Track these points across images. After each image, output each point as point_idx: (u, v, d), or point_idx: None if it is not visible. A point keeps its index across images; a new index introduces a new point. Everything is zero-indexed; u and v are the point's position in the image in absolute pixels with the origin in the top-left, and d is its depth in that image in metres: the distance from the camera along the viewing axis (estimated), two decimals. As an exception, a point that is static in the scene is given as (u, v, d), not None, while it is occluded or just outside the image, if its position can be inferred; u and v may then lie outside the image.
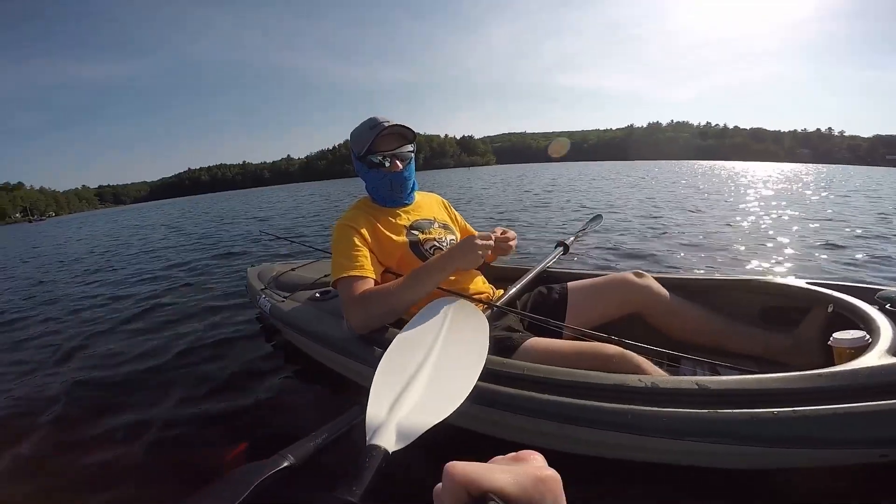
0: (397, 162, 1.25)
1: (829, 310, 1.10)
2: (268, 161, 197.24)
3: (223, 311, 2.56)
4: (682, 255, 3.25)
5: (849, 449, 0.72)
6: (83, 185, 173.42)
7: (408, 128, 1.25)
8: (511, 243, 1.29)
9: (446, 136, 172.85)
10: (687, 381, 0.83)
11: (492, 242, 1.14)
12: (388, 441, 0.51)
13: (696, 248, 3.43)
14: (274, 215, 10.46)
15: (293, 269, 2.05)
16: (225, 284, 3.29)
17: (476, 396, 0.82)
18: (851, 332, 0.93)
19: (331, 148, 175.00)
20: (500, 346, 1.07)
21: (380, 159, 1.23)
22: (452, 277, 1.20)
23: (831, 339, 0.94)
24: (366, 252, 1.19)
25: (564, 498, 0.22)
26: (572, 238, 1.71)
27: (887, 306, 1.02)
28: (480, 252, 1.10)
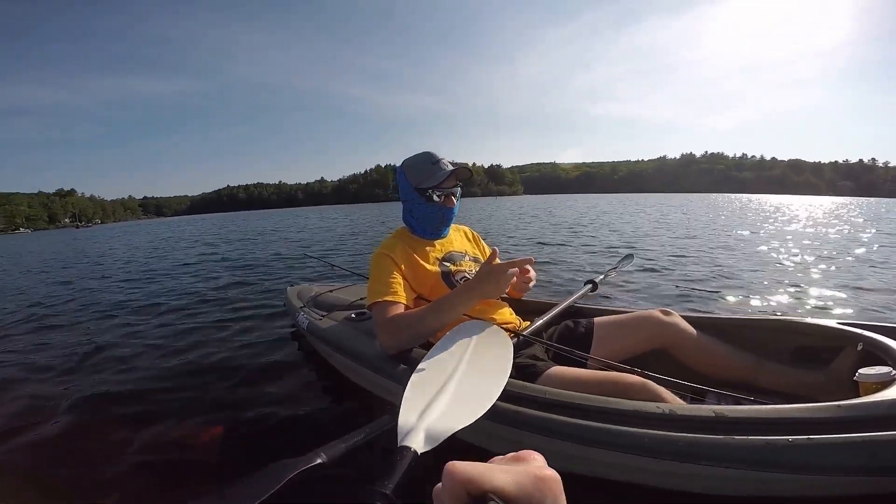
0: (452, 198, 1.36)
1: (859, 348, 1.10)
2: (302, 182, 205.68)
3: (258, 325, 2.70)
4: (713, 294, 3.18)
5: (864, 477, 0.73)
6: (129, 196, 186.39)
7: (470, 170, 1.35)
8: (530, 284, 1.37)
9: (474, 164, 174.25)
10: (705, 409, 0.85)
11: (515, 270, 1.12)
12: (418, 443, 0.57)
13: (729, 288, 3.35)
14: (309, 237, 10.84)
15: (331, 291, 2.15)
16: (261, 300, 3.44)
17: (498, 416, 0.86)
18: (878, 367, 0.94)
19: (362, 172, 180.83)
20: (525, 372, 1.11)
21: (432, 192, 1.32)
22: (479, 307, 1.26)
23: (857, 374, 0.95)
24: (400, 279, 1.27)
25: (564, 498, 0.22)
26: (602, 276, 1.74)
27: None
28: (502, 279, 1.10)
